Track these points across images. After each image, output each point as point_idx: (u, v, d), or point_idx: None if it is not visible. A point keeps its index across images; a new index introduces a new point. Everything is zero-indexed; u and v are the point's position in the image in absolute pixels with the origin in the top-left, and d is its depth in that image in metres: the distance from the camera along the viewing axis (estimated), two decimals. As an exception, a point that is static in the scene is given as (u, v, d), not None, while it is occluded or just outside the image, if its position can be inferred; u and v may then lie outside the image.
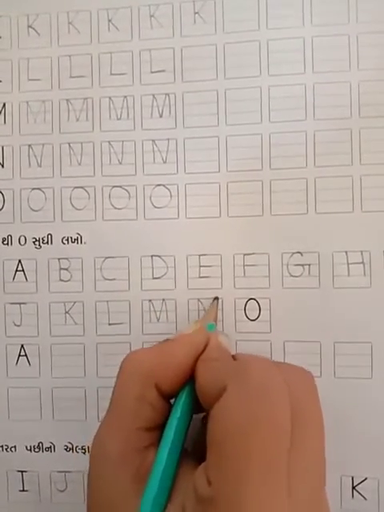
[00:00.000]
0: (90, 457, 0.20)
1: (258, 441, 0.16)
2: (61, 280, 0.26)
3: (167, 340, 0.21)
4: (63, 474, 0.27)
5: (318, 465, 0.18)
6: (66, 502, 0.27)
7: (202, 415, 0.22)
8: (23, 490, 0.27)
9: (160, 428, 0.20)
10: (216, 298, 0.25)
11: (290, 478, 0.16)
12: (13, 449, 0.27)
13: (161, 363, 0.20)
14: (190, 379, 0.20)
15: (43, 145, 0.27)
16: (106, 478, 0.19)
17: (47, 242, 0.26)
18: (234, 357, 0.21)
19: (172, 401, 0.21)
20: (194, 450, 0.21)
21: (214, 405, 0.18)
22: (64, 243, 0.26)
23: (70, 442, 0.26)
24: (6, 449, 0.27)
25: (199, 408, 0.20)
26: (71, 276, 0.26)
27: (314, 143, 0.25)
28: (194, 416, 0.21)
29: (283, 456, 0.17)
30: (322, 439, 0.18)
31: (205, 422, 0.20)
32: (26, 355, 0.26)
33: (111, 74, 0.26)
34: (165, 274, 0.26)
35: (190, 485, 0.18)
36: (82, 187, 0.26)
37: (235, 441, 0.17)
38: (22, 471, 0.27)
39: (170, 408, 0.20)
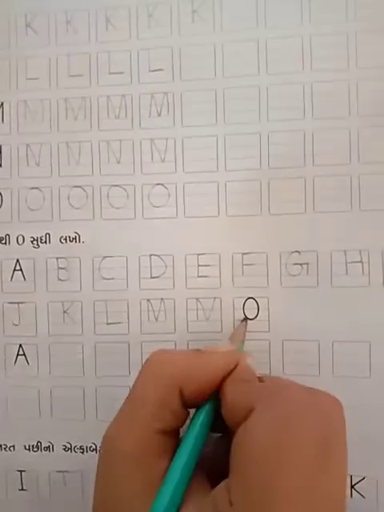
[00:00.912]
0: (100, 454, 0.19)
1: (285, 471, 0.16)
2: (59, 279, 0.26)
3: (198, 350, 0.21)
4: (62, 473, 0.27)
5: (341, 493, 0.17)
6: (64, 502, 0.27)
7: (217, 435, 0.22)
8: (22, 489, 0.27)
9: (176, 434, 0.20)
10: (245, 319, 0.25)
11: (315, 503, 0.16)
12: (11, 448, 0.27)
13: (189, 370, 0.19)
14: (212, 396, 0.20)
15: (41, 144, 0.27)
16: (116, 477, 0.18)
17: (45, 242, 0.26)
18: (260, 379, 0.20)
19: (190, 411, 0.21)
20: (205, 463, 0.20)
21: (239, 426, 0.18)
22: (62, 242, 0.26)
23: (68, 442, 0.26)
24: (5, 448, 0.27)
25: (217, 426, 0.20)
26: (69, 275, 0.26)
27: (313, 142, 0.25)
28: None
29: (309, 484, 0.16)
30: (346, 468, 0.18)
31: (222, 440, 0.20)
32: (24, 355, 0.26)
33: (109, 73, 0.26)
34: (163, 273, 0.26)
35: (207, 500, 0.18)
36: (80, 186, 0.26)
37: (261, 469, 0.16)
38: (20, 470, 0.27)
39: (187, 416, 0.20)
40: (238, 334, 0.24)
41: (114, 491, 0.18)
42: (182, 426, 0.20)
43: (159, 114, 0.26)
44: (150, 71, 0.26)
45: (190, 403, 0.20)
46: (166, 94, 0.26)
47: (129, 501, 0.18)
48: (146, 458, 0.18)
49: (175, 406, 0.19)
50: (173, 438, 0.20)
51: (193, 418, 0.20)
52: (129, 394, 0.20)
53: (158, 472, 0.19)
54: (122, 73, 0.26)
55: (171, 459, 0.19)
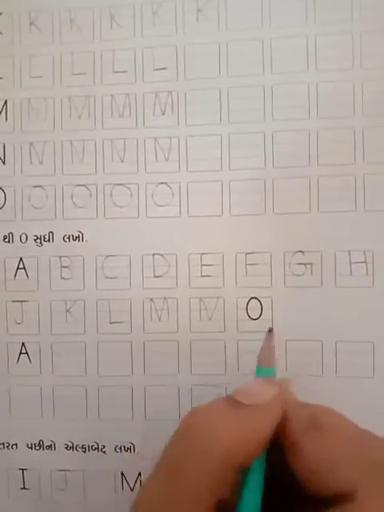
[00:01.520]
0: None
1: None
2: (62, 278, 0.26)
3: (235, 401, 0.18)
4: (64, 472, 0.26)
5: None
6: (66, 501, 0.27)
7: None
8: (24, 488, 0.27)
9: (230, 500, 0.18)
10: (270, 331, 0.21)
11: None
12: (14, 446, 0.27)
13: (243, 443, 0.17)
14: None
15: (45, 142, 0.26)
16: None
17: (48, 240, 0.26)
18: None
19: None
20: None
21: (333, 496, 0.16)
22: (65, 241, 0.26)
23: (70, 441, 0.26)
24: (7, 446, 0.27)
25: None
26: (72, 274, 0.26)
27: (317, 142, 0.25)
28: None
29: None
30: None
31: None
32: (27, 353, 0.26)
33: (113, 71, 0.26)
34: (166, 272, 0.26)
35: None
36: (83, 185, 0.26)
37: None
38: (22, 469, 0.27)
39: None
40: (267, 354, 0.20)
41: None
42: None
43: (163, 113, 0.26)
44: (154, 70, 0.26)
45: (244, 467, 0.17)
46: (170, 92, 0.26)
47: None
48: None
49: (233, 479, 0.17)
50: (227, 504, 0.17)
51: (248, 479, 0.18)
52: (168, 463, 0.17)
53: None
54: (125, 71, 0.26)
55: None
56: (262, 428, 0.17)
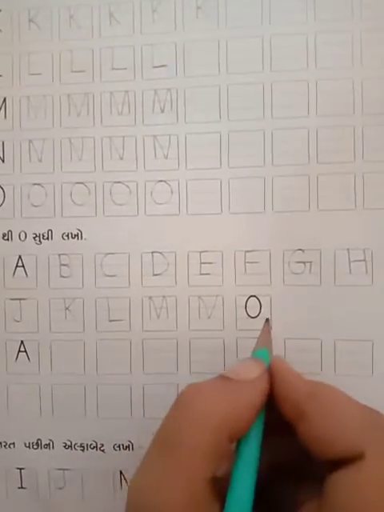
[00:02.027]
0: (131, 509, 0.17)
1: None
2: (61, 276, 0.26)
3: (225, 377, 0.19)
4: (62, 471, 0.26)
5: None
6: (64, 500, 0.26)
7: None
8: (22, 487, 0.27)
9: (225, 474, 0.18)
10: (267, 320, 0.24)
11: None
12: (11, 445, 0.27)
13: (234, 413, 0.18)
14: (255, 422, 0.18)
15: (44, 140, 0.26)
16: None
17: (47, 238, 0.26)
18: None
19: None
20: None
21: (338, 462, 0.17)
22: (64, 239, 0.26)
23: (69, 440, 0.26)
24: (5, 445, 0.27)
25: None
26: (71, 272, 0.26)
27: (317, 140, 0.25)
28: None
29: None
30: None
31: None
32: (25, 351, 0.26)
33: (112, 68, 0.26)
34: (165, 270, 0.26)
35: None
36: (82, 183, 0.26)
37: None
38: (20, 468, 0.27)
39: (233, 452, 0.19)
40: (261, 337, 0.22)
41: None
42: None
43: (162, 111, 0.26)
44: (153, 67, 0.26)
45: (236, 439, 0.18)
46: (169, 90, 0.26)
47: None
48: (196, 508, 0.17)
49: (225, 450, 0.17)
50: (223, 480, 0.18)
51: (241, 447, 0.18)
52: (162, 439, 0.18)
53: None
54: (125, 68, 0.26)
55: (222, 501, 0.17)
56: (249, 400, 0.18)
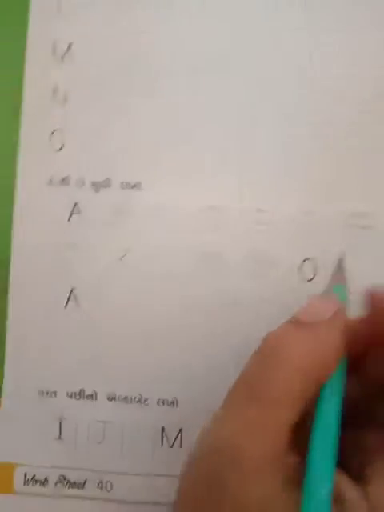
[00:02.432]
0: (204, 460, 0.17)
1: None
2: (115, 226, 0.26)
3: (298, 320, 0.18)
4: (102, 423, 0.26)
5: None
6: (101, 454, 0.26)
7: None
8: (59, 438, 0.26)
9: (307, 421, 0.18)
10: (341, 259, 0.22)
11: None
12: (53, 394, 0.26)
13: (320, 356, 0.17)
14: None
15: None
16: (245, 488, 0.16)
17: (106, 186, 0.26)
18: None
19: None
20: None
21: None
22: (123, 188, 0.26)
23: (113, 392, 0.26)
24: (47, 394, 0.26)
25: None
26: (126, 222, 0.26)
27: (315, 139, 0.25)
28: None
29: None
30: None
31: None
32: (75, 299, 0.26)
33: None
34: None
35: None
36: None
37: None
38: (59, 418, 0.26)
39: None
40: (337, 273, 0.21)
41: (246, 499, 0.16)
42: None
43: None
44: None
45: (322, 382, 0.18)
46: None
47: (269, 504, 0.16)
48: (283, 456, 0.16)
49: (312, 394, 0.17)
50: (304, 426, 0.17)
51: (322, 393, 0.18)
52: (249, 385, 0.17)
53: (296, 469, 0.16)
54: None
55: (304, 447, 0.17)
56: (332, 341, 0.18)
